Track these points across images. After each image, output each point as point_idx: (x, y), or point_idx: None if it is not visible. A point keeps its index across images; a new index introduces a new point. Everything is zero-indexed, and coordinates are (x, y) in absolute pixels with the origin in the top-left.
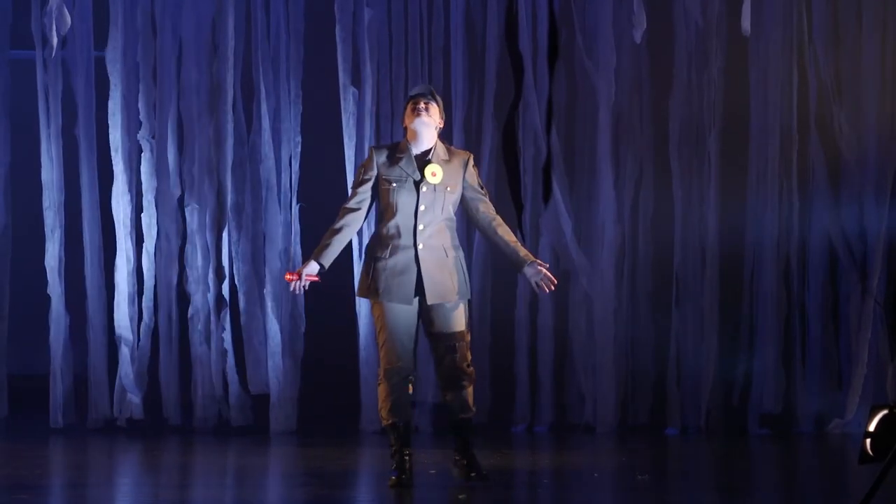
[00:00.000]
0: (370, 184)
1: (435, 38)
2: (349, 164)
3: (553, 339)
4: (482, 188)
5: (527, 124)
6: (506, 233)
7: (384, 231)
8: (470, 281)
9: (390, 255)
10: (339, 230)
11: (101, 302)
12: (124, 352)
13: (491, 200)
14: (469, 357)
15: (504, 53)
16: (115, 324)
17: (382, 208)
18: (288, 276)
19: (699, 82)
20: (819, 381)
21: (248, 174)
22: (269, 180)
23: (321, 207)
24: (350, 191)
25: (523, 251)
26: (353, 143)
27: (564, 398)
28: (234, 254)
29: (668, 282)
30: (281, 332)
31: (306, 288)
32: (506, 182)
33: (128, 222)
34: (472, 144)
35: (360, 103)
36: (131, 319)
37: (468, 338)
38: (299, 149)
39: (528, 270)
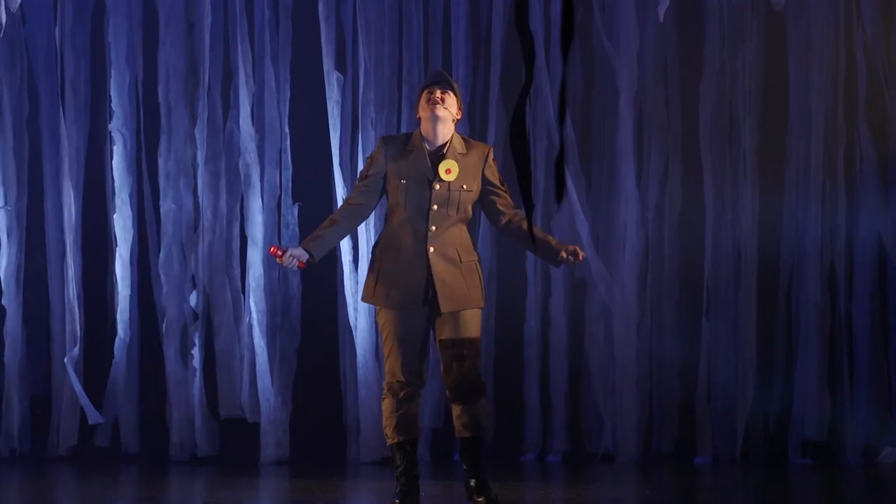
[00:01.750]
0: (376, 178)
1: (433, 15)
2: (335, 159)
3: (567, 356)
4: (502, 184)
5: (538, 114)
6: (529, 227)
7: (392, 231)
8: (484, 286)
9: (398, 258)
10: (335, 222)
11: (66, 314)
12: (91, 370)
13: None
14: (480, 368)
15: (512, 33)
16: (79, 339)
17: (391, 206)
18: (273, 250)
19: (733, 66)
20: (868, 404)
21: (223, 169)
22: (250, 176)
23: (312, 207)
24: (354, 183)
25: (554, 241)
26: (338, 134)
27: (580, 423)
28: (205, 260)
29: (697, 291)
30: (268, 349)
31: (293, 268)
32: (514, 179)
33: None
34: (475, 136)
35: (346, 89)
36: (102, 334)
37: (479, 348)
38: (288, 141)
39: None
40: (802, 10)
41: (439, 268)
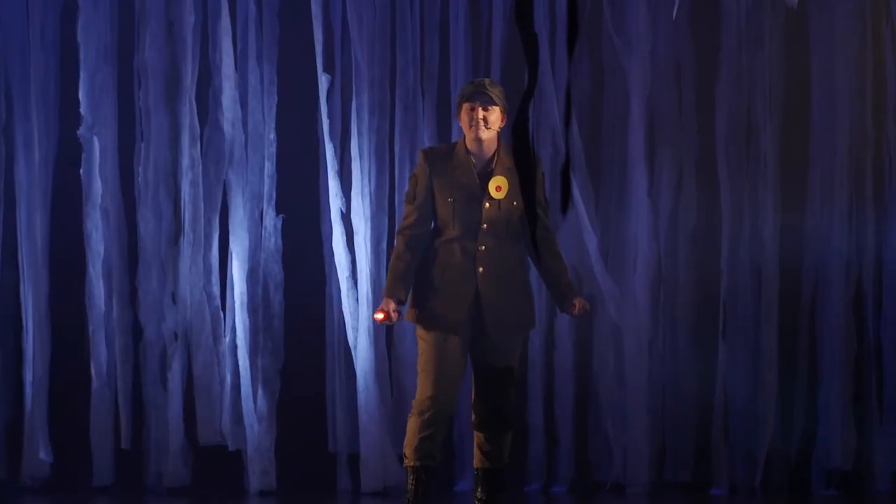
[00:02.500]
0: (426, 198)
1: (429, 12)
2: (329, 168)
3: (574, 379)
4: (546, 200)
5: (542, 119)
6: (552, 254)
7: (440, 250)
8: (534, 307)
9: (444, 276)
10: (407, 263)
11: (41, 333)
12: (61, 393)
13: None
14: (513, 399)
15: (514, 31)
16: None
17: (440, 223)
18: (380, 317)
19: (751, 68)
20: None
21: (200, 177)
22: (232, 183)
23: (301, 219)
24: (404, 207)
25: (565, 281)
26: (332, 141)
27: (588, 451)
28: (185, 275)
29: (713, 310)
30: (251, 369)
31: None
32: None
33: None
34: None
35: (335, 92)
36: (73, 355)
37: (517, 376)
38: (274, 148)
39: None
40: (826, 6)
41: (488, 289)
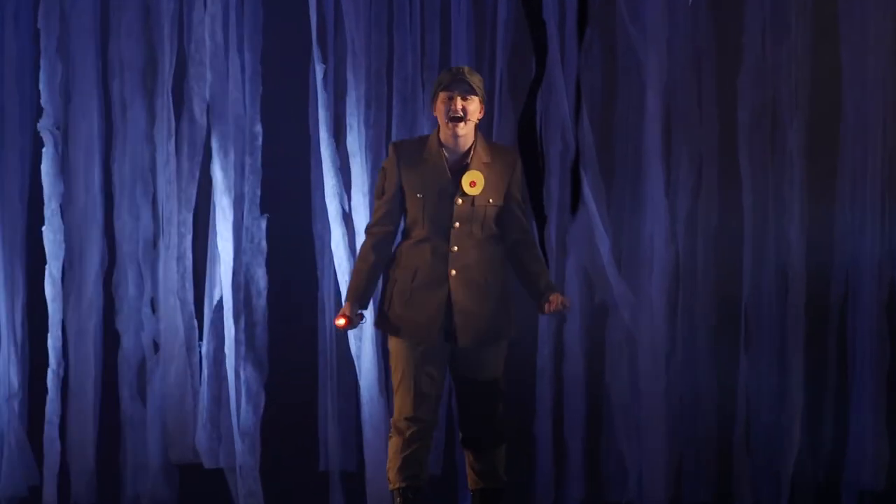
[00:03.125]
0: (395, 193)
1: None
2: (324, 163)
3: (585, 391)
4: (523, 200)
5: (551, 112)
6: (531, 257)
7: (409, 250)
8: (513, 314)
9: (414, 281)
10: (370, 263)
11: (10, 346)
12: (14, 408)
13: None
14: (501, 410)
15: (521, 19)
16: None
17: (409, 222)
18: (341, 323)
19: (776, 56)
20: None
21: (175, 174)
22: (213, 181)
23: (289, 219)
24: (371, 204)
25: (544, 281)
26: (326, 135)
27: (600, 468)
28: (160, 280)
29: (734, 317)
30: (235, 381)
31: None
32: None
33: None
34: None
35: (329, 83)
36: (30, 367)
37: (502, 387)
38: (259, 141)
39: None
40: None
41: (461, 294)
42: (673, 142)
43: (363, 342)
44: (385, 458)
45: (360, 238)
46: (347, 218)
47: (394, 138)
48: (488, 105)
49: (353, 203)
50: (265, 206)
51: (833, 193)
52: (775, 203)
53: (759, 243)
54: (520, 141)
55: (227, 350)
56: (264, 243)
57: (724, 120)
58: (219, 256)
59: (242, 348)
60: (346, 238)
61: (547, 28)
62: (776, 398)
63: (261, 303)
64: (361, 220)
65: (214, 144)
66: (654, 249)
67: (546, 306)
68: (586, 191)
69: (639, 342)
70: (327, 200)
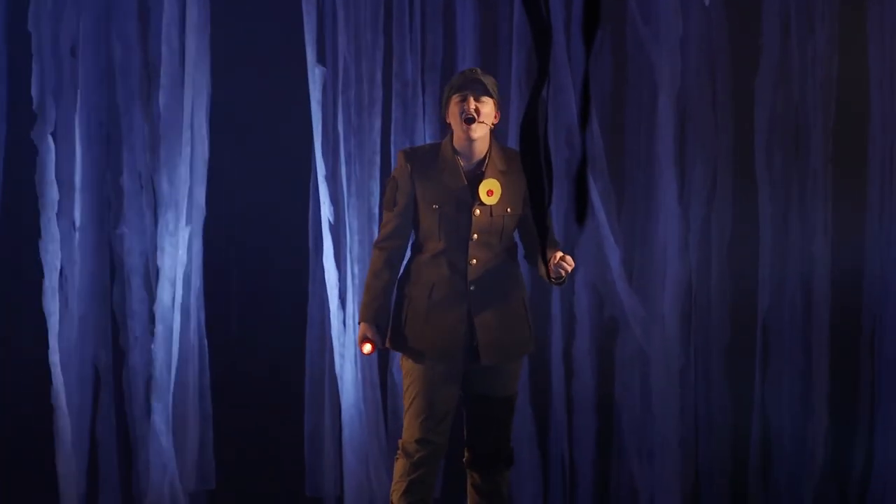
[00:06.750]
0: (408, 204)
1: None
2: (319, 172)
3: (595, 410)
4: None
5: (558, 116)
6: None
7: (424, 264)
8: (533, 328)
9: (431, 297)
10: (385, 280)
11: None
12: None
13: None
14: (511, 432)
15: (525, 18)
16: None
17: (422, 235)
18: (368, 350)
19: (799, 58)
20: None
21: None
22: (190, 190)
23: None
24: (380, 216)
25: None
26: (321, 141)
27: (611, 491)
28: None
29: (752, 334)
30: (212, 401)
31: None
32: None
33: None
34: None
35: (328, 86)
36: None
37: (514, 407)
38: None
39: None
40: None
41: (481, 310)
42: (686, 148)
43: (345, 361)
44: (365, 481)
45: (351, 250)
46: (334, 230)
47: (392, 146)
48: (503, 111)
49: (346, 215)
50: (253, 219)
51: (861, 203)
52: (798, 214)
53: (779, 255)
54: (522, 146)
55: (204, 368)
56: (241, 254)
57: (741, 125)
58: (188, 270)
59: (221, 367)
60: (333, 251)
61: (552, 28)
62: (797, 419)
63: (238, 318)
64: (349, 232)
65: (194, 150)
66: (666, 261)
67: (549, 266)
68: (595, 199)
69: (651, 359)
70: (322, 210)
